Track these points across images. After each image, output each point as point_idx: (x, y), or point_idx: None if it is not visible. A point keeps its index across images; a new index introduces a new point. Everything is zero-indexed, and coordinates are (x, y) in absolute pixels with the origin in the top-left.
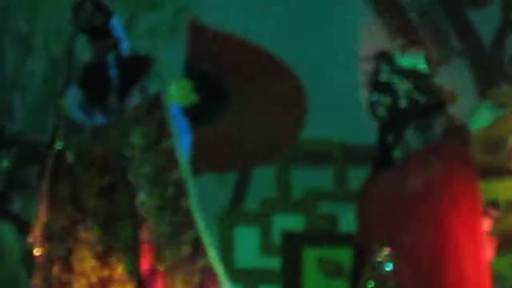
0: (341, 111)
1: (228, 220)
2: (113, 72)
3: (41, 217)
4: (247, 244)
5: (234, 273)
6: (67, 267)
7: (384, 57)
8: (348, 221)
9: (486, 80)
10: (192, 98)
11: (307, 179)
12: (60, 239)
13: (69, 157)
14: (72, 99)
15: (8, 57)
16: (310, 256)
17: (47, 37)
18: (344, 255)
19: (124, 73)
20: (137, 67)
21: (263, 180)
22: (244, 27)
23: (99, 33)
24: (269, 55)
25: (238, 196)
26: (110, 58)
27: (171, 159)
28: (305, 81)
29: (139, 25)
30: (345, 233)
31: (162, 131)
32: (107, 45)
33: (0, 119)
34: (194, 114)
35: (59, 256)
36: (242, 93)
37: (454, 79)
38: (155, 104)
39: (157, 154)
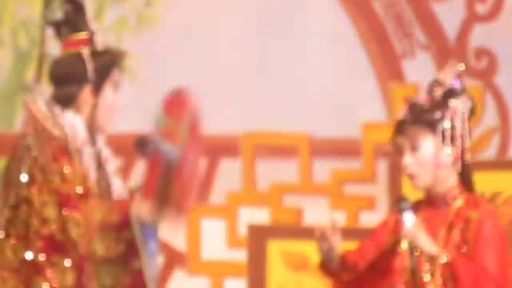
0: (306, 104)
1: (194, 214)
2: (88, 66)
3: None
4: (213, 237)
5: (200, 266)
6: None
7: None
8: (313, 214)
9: None
10: None
11: (272, 172)
12: None
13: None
14: (39, 95)
15: None
16: (275, 249)
17: (15, 30)
18: (309, 248)
19: (97, 67)
20: (109, 61)
21: (228, 173)
22: (210, 21)
23: (72, 26)
24: None
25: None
26: (85, 52)
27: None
28: (272, 76)
29: (106, 17)
30: (310, 227)
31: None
32: (81, 39)
33: None
34: None
35: None
36: None
37: (418, 72)
38: None
39: None
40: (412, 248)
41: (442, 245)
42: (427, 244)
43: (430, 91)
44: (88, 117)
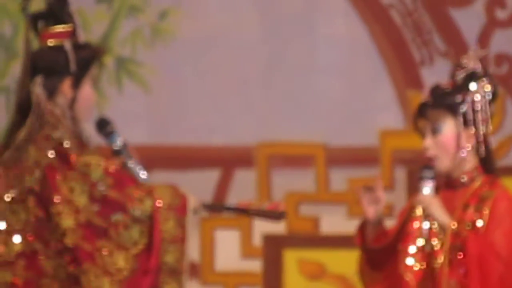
0: (323, 112)
1: (208, 223)
2: (70, 58)
3: None
4: (228, 247)
5: (215, 277)
6: None
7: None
8: (329, 223)
9: None
10: None
11: (288, 181)
12: None
13: None
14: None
15: None
16: (291, 258)
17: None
18: (325, 257)
19: (78, 60)
20: (90, 55)
21: (243, 183)
22: (224, 33)
23: (55, 18)
24: None
25: (218, 199)
26: (67, 44)
27: None
28: (287, 85)
29: (121, 29)
30: (327, 235)
31: None
32: (64, 31)
33: None
34: None
35: None
36: None
37: (437, 79)
38: None
39: None
40: (426, 215)
41: (456, 221)
42: (440, 213)
43: (453, 75)
44: (68, 110)
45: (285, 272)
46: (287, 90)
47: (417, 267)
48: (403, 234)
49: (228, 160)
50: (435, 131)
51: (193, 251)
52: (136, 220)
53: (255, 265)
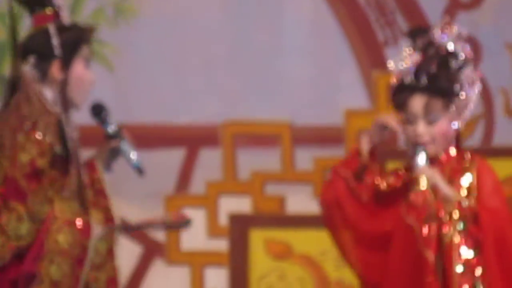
0: (287, 92)
1: (174, 202)
2: (54, 41)
3: None
4: (194, 227)
5: (180, 256)
6: None
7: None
8: (295, 203)
9: None
10: None
11: (253, 161)
12: None
13: None
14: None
15: None
16: (258, 238)
17: None
18: (291, 237)
19: (64, 42)
20: (76, 36)
21: (209, 162)
22: (187, 12)
23: (38, 2)
24: None
25: (184, 178)
26: (51, 27)
27: None
28: (252, 65)
29: (83, 8)
30: (293, 215)
31: None
32: (47, 15)
33: None
34: None
35: None
36: None
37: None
38: None
39: None
40: (433, 187)
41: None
42: (444, 184)
43: (424, 48)
44: (59, 93)
45: (251, 252)
46: (253, 70)
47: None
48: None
49: (193, 139)
50: (430, 122)
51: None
52: (31, 218)
53: (221, 245)
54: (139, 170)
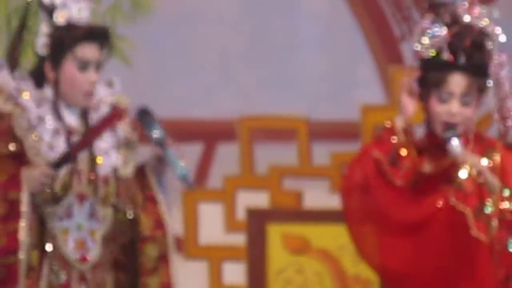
0: (304, 87)
1: (191, 196)
2: (41, 41)
3: None
4: (211, 221)
5: (198, 251)
6: None
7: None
8: (312, 198)
9: None
10: None
11: (270, 155)
12: None
13: None
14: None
15: None
16: (275, 232)
17: (8, 16)
18: (308, 232)
19: (53, 42)
20: (68, 36)
21: (225, 158)
22: (205, 6)
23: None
24: None
25: (202, 173)
26: (43, 28)
27: None
28: (269, 59)
29: (100, 3)
30: (310, 210)
31: None
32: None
33: None
34: None
35: None
36: None
37: None
38: None
39: None
40: (477, 173)
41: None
42: (489, 172)
43: (451, 25)
44: (52, 91)
45: (269, 246)
46: (270, 65)
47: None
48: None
49: (211, 134)
50: (465, 103)
51: (176, 224)
52: None
53: (239, 239)
54: (185, 181)
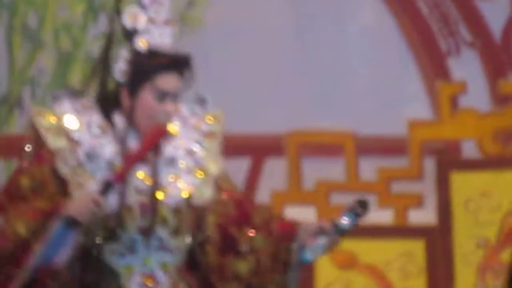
0: (351, 102)
1: None
2: (119, 67)
3: None
4: None
5: None
6: None
7: None
8: None
9: (496, 71)
10: None
11: (318, 170)
12: None
13: None
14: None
15: (18, 53)
16: None
17: (56, 31)
18: (356, 247)
19: (133, 70)
20: (147, 65)
21: (273, 173)
22: (253, 21)
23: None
24: None
25: (249, 187)
26: (123, 53)
27: None
28: (317, 74)
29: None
30: (357, 225)
31: None
32: None
33: (10, 114)
34: None
35: None
36: None
37: (464, 70)
38: None
39: None
40: None
41: None
42: None
43: None
44: (126, 119)
45: (317, 261)
46: (317, 80)
47: None
48: None
49: (259, 149)
50: None
51: None
52: None
53: None
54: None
